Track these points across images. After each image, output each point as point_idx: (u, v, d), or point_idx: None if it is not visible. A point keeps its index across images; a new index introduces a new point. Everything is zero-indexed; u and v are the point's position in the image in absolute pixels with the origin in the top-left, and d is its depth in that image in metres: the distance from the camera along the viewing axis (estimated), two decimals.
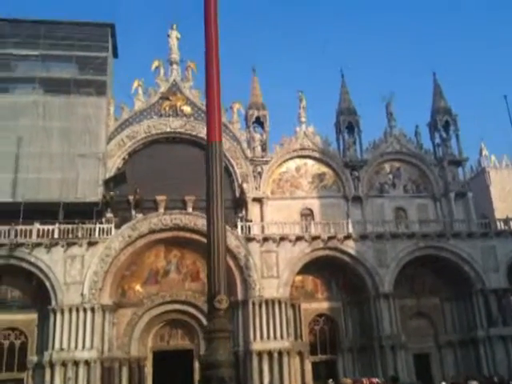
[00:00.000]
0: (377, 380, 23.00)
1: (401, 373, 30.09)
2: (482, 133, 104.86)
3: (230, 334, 9.53)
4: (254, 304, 31.94)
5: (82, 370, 29.68)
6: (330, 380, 24.33)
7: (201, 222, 32.20)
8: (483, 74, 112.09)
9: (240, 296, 32.33)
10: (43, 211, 32.36)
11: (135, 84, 39.39)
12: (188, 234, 33.45)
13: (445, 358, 35.37)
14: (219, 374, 8.77)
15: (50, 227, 32.23)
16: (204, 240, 29.68)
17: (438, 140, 41.74)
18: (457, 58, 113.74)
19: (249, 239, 33.27)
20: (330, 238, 34.00)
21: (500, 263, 35.27)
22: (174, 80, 39.74)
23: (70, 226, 32.39)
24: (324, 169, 39.23)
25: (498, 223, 37.42)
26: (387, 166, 40.28)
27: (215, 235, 9.72)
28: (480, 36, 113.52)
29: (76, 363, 29.75)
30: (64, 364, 29.66)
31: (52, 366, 29.65)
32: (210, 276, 9.47)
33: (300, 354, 33.42)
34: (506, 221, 37.22)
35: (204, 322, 31.65)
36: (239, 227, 33.75)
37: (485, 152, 53.82)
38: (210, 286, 9.41)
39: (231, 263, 31.51)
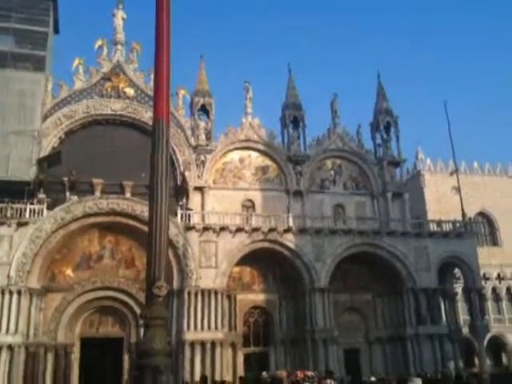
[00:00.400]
0: (311, 373, 23.16)
1: (332, 367, 30.46)
2: (420, 136, 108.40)
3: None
4: (189, 293, 31.42)
5: (4, 355, 28.38)
6: (264, 372, 24.27)
7: (139, 208, 31.44)
8: (425, 79, 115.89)
9: (176, 285, 31.70)
10: None
11: (76, 62, 37.74)
12: (125, 220, 32.48)
13: (374, 354, 36.15)
14: (154, 363, 8.48)
15: None
16: (141, 227, 29.51)
17: (379, 140, 42.55)
18: (400, 62, 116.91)
19: (188, 228, 32.67)
20: (270, 231, 33.95)
21: (431, 263, 36.27)
22: (118, 61, 38.34)
23: None
24: (268, 161, 39.15)
25: (431, 224, 38.54)
26: (329, 163, 40.72)
27: (157, 218, 9.38)
28: (424, 41, 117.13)
29: None
30: None
31: None
32: (150, 262, 9.12)
33: (233, 345, 33.26)
34: (438, 223, 38.38)
35: (136, 309, 31.01)
36: (179, 215, 33.07)
37: (421, 155, 55.51)
38: (149, 272, 9.07)
39: (169, 251, 30.81)
